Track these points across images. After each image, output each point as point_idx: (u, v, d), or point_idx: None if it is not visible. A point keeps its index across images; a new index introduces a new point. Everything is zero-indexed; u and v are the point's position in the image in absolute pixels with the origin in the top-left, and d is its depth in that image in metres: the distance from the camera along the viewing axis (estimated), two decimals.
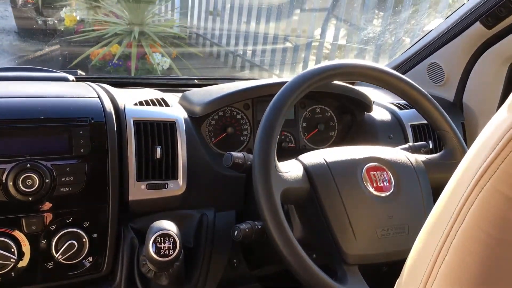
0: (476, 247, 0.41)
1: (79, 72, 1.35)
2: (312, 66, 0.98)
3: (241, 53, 4.80)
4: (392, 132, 1.22)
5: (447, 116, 0.98)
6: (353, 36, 3.77)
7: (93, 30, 4.17)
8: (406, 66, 1.47)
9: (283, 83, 0.89)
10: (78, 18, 4.75)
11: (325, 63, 0.92)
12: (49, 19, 5.09)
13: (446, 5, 2.79)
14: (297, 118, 1.25)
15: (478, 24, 1.23)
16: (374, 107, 1.26)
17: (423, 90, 0.98)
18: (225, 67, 4.93)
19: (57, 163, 0.87)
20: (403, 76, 0.98)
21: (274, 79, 1.18)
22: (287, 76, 4.38)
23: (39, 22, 5.11)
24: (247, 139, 1.19)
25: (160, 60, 4.13)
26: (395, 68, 1.50)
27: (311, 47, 4.13)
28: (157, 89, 1.29)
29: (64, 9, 4.92)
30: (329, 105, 1.26)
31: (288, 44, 4.39)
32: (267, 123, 0.84)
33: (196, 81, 1.52)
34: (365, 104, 1.22)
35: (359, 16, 3.66)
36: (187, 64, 4.19)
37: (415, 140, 1.22)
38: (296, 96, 0.87)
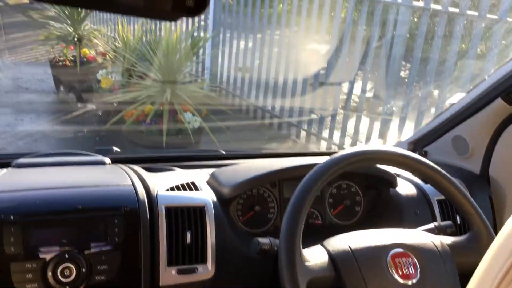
0: None
1: (115, 149, 1.42)
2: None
3: (270, 108, 4.91)
4: (418, 208, 1.23)
5: (471, 198, 0.99)
6: (378, 108, 3.86)
7: (128, 92, 4.34)
8: (430, 137, 1.49)
9: (309, 166, 0.93)
10: (113, 80, 4.97)
11: (349, 149, 0.95)
12: (86, 81, 5.35)
13: (468, 80, 2.83)
14: (323, 194, 1.27)
15: (499, 100, 1.25)
16: (400, 181, 1.28)
17: (445, 173, 1.00)
18: (254, 122, 5.02)
19: (93, 251, 0.92)
20: (424, 159, 1.00)
21: (301, 160, 1.21)
22: (313, 139, 4.41)
23: (76, 84, 5.37)
24: (274, 216, 1.22)
25: (191, 119, 4.25)
26: (419, 139, 1.53)
27: (336, 118, 4.23)
28: (187, 164, 1.35)
29: (100, 71, 5.17)
30: (354, 181, 1.29)
31: (315, 111, 4.47)
32: (292, 214, 0.87)
33: (224, 153, 1.57)
34: (388, 180, 1.24)
35: (383, 92, 3.78)
36: (217, 122, 4.30)
37: (442, 215, 1.22)
38: (319, 185, 0.90)
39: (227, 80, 5.42)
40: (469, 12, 3.12)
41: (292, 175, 1.16)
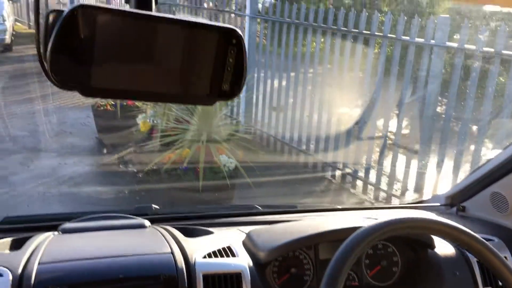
0: None
1: (154, 207, 1.47)
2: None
3: (304, 148, 4.92)
4: (458, 270, 1.21)
5: (510, 267, 0.97)
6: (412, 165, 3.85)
7: (166, 136, 4.45)
8: (468, 192, 1.47)
9: (347, 230, 0.94)
10: (151, 124, 5.12)
11: (389, 217, 0.95)
12: (125, 125, 5.52)
13: (504, 136, 2.80)
14: (360, 255, 1.27)
15: None
16: (439, 241, 1.26)
17: (483, 240, 0.98)
18: (289, 163, 5.04)
19: None
20: (461, 227, 0.99)
21: (338, 221, 1.22)
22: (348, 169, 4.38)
23: (116, 128, 5.56)
24: (310, 278, 1.23)
25: (226, 162, 4.31)
26: (456, 194, 1.51)
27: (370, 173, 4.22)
28: (224, 221, 1.37)
29: (139, 116, 5.34)
30: (391, 241, 1.28)
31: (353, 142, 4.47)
32: (329, 283, 0.88)
33: (260, 208, 1.59)
34: (425, 242, 1.23)
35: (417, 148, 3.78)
36: (251, 165, 4.36)
37: (483, 278, 1.19)
38: (357, 253, 0.91)
39: (261, 121, 5.49)
40: (504, 51, 3.10)
41: (330, 238, 1.17)
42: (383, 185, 4.12)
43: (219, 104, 4.59)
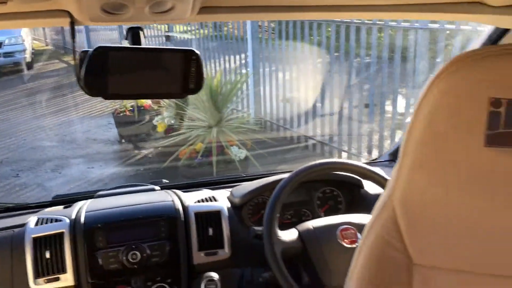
0: None
1: (164, 181, 1.94)
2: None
3: (311, 134, 5.36)
4: None
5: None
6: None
7: (180, 134, 4.94)
8: None
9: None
10: (167, 124, 5.62)
11: (308, 163, 1.42)
12: (144, 127, 6.04)
13: None
14: (312, 198, 1.72)
15: None
16: (368, 183, 1.69)
17: (369, 168, 1.44)
18: (297, 148, 5.49)
19: (149, 244, 1.43)
20: (356, 162, 1.45)
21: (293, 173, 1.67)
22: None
23: (136, 131, 6.08)
24: None
25: (237, 152, 4.79)
26: (395, 151, 1.95)
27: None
28: (214, 187, 1.83)
29: (155, 117, 5.85)
30: (334, 186, 1.73)
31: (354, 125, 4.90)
32: (269, 209, 1.35)
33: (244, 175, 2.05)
34: (355, 184, 1.68)
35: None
36: (261, 152, 4.82)
37: None
38: (287, 190, 1.37)
39: (270, 112, 5.94)
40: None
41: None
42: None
43: (227, 99, 5.06)
